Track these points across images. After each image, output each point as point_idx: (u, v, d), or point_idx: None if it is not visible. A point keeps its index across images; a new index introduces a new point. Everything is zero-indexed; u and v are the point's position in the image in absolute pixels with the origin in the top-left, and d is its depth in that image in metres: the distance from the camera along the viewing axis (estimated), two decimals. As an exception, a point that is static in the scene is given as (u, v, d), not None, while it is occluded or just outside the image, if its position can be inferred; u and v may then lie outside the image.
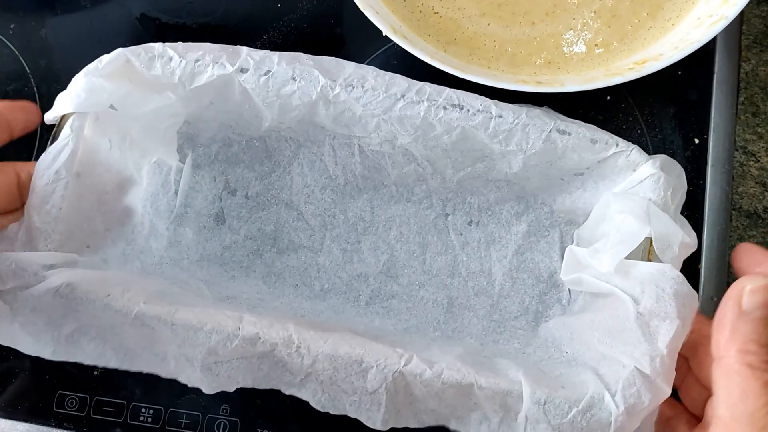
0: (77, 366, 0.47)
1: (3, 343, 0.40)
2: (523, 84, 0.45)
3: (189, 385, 0.40)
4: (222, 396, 0.48)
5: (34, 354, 0.40)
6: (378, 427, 0.39)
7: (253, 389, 0.47)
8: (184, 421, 0.47)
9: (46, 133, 0.50)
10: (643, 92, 0.56)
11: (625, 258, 0.41)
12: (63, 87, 0.43)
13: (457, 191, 0.51)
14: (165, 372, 0.40)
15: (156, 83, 0.44)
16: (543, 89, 0.45)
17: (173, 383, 0.47)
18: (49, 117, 0.43)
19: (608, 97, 0.55)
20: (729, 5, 0.47)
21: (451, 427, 0.41)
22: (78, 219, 0.42)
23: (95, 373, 0.48)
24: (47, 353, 0.40)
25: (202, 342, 0.39)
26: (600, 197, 0.47)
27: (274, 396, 0.47)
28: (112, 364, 0.40)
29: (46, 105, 0.48)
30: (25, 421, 0.47)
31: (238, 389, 0.47)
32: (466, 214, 0.52)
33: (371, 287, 0.50)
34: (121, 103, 0.43)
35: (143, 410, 0.47)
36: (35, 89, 0.52)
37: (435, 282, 0.50)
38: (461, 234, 0.51)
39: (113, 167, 0.45)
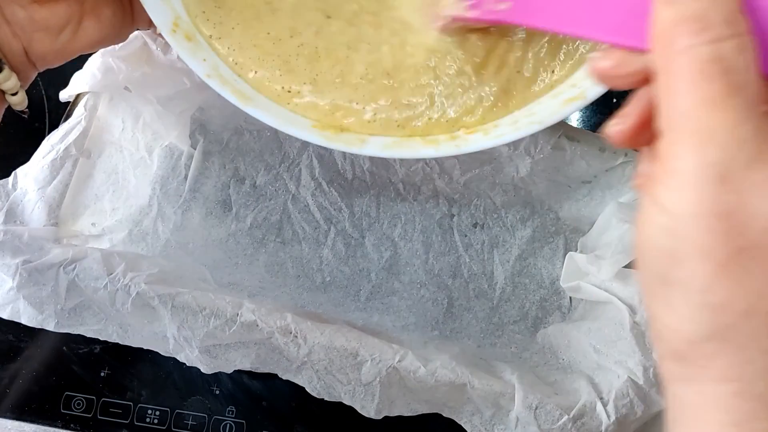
0: (84, 367, 0.48)
1: (7, 317, 0.40)
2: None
3: (187, 364, 0.41)
4: (228, 398, 0.48)
5: (38, 326, 0.40)
6: (372, 415, 0.40)
7: (259, 391, 0.48)
8: (190, 422, 0.48)
9: (56, 110, 0.50)
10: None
11: (626, 268, 0.41)
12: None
13: (464, 193, 0.51)
14: (163, 350, 0.41)
15: (171, 68, 0.45)
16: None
17: (180, 385, 0.48)
18: (64, 95, 0.43)
19: (614, 100, 0.55)
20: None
21: (444, 414, 0.41)
22: (85, 197, 0.42)
23: (102, 374, 0.49)
24: (51, 325, 0.40)
25: (201, 325, 0.39)
26: (606, 206, 0.47)
27: (280, 398, 0.48)
28: (113, 338, 0.41)
29: (54, 107, 0.49)
30: (33, 422, 0.48)
31: (244, 389, 0.48)
32: (472, 216, 0.52)
33: (372, 283, 0.50)
34: (136, 85, 0.44)
35: (149, 412, 0.48)
36: (43, 92, 0.53)
37: (436, 282, 0.50)
38: (465, 235, 0.51)
39: (125, 148, 0.46)
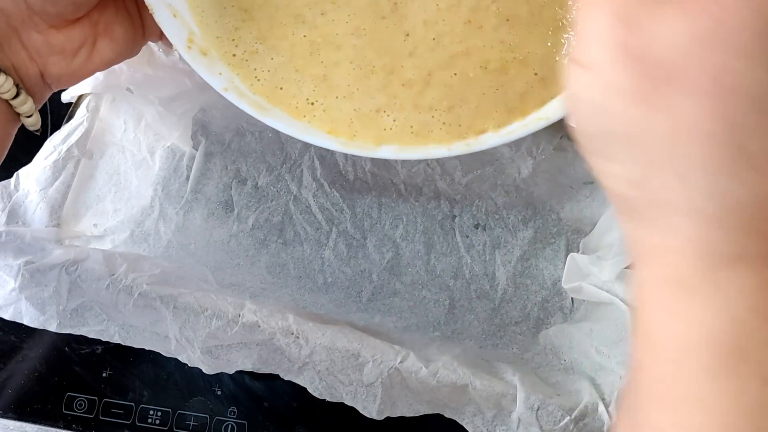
0: (86, 368, 0.48)
1: (9, 318, 0.41)
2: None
3: (189, 365, 0.41)
4: (230, 398, 0.48)
5: (40, 327, 0.40)
6: (374, 416, 0.40)
7: (260, 391, 0.48)
8: (192, 423, 0.48)
9: (58, 110, 0.50)
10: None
11: (628, 268, 0.41)
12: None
13: (465, 194, 0.51)
14: (165, 350, 0.41)
15: (173, 69, 0.45)
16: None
17: (181, 386, 0.48)
18: (66, 96, 0.43)
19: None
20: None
21: (446, 415, 0.41)
22: (87, 197, 0.42)
23: (104, 375, 0.49)
24: (53, 326, 0.40)
25: (203, 326, 0.39)
26: (608, 207, 0.47)
27: (282, 398, 0.48)
28: (115, 339, 0.41)
29: (56, 108, 0.49)
30: (34, 422, 0.48)
31: (245, 390, 0.48)
32: (473, 216, 0.52)
33: (374, 284, 0.50)
34: (138, 87, 0.44)
35: (151, 412, 0.48)
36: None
37: (438, 282, 0.50)
38: (467, 236, 0.51)
39: (126, 149, 0.46)
